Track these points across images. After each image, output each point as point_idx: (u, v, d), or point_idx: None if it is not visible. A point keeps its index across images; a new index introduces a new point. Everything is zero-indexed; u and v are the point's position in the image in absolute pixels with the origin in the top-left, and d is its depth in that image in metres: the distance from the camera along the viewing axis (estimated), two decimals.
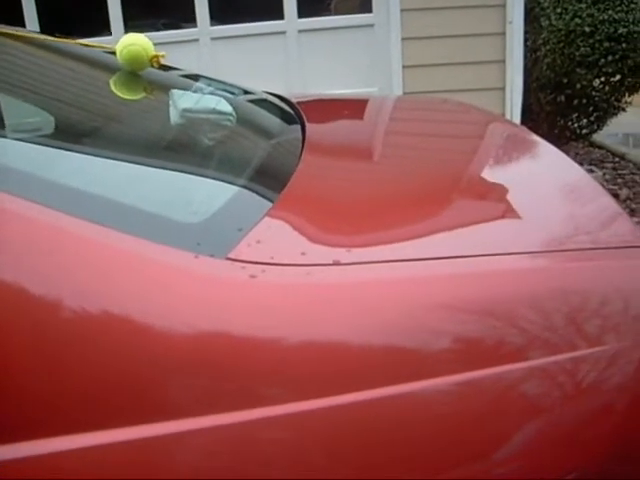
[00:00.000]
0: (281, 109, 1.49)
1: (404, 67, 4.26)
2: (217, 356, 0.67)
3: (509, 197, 1.00)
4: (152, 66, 1.30)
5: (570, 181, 1.14)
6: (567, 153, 4.47)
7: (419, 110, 1.71)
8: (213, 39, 4.27)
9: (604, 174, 4.62)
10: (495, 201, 0.99)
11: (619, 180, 4.55)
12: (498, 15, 4.17)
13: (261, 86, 1.76)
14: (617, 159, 5.07)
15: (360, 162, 1.20)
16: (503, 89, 4.31)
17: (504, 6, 4.12)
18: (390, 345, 0.70)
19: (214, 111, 1.18)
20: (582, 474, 0.75)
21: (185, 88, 1.37)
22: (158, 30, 4.32)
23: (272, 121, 1.37)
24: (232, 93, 1.43)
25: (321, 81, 4.24)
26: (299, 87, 4.22)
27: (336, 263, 0.76)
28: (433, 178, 1.10)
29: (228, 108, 1.21)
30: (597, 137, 5.40)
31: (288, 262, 0.75)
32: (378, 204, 0.97)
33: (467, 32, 4.18)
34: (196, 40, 4.25)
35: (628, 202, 4.14)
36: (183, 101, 1.19)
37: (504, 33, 4.19)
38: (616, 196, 4.21)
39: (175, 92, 1.23)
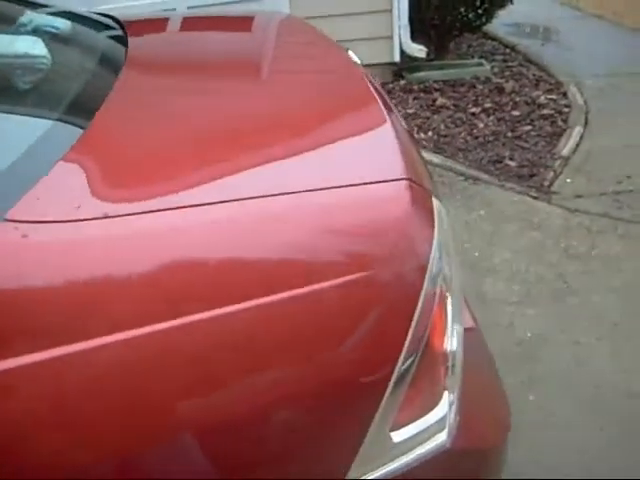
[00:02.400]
0: (107, 37, 1.50)
1: None
2: None
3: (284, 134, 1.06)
4: None
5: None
6: (460, 45, 4.52)
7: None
8: None
9: (493, 67, 4.73)
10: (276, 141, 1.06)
11: (507, 73, 4.67)
12: None
13: None
14: (508, 50, 5.17)
15: (172, 98, 1.23)
16: None
17: None
18: (143, 293, 0.79)
19: (25, 55, 1.20)
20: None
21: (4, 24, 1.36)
22: None
23: (90, 53, 1.37)
24: (54, 27, 1.42)
25: None
26: None
27: (105, 216, 0.83)
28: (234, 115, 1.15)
29: (42, 50, 1.22)
30: (492, 28, 5.47)
31: (58, 218, 0.82)
32: (179, 148, 1.03)
33: None
34: None
35: (513, 95, 4.28)
36: None
37: None
38: (501, 89, 4.34)
39: None
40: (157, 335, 0.77)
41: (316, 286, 0.84)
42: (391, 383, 0.87)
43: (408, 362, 0.88)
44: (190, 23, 1.87)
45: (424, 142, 3.76)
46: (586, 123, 3.86)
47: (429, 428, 0.95)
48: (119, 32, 1.51)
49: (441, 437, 0.96)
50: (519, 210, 3.06)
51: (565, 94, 4.25)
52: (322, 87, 1.28)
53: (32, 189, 0.85)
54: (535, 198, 3.15)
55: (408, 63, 4.61)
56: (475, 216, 3.04)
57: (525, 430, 1.94)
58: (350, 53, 1.57)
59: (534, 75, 4.59)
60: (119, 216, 0.84)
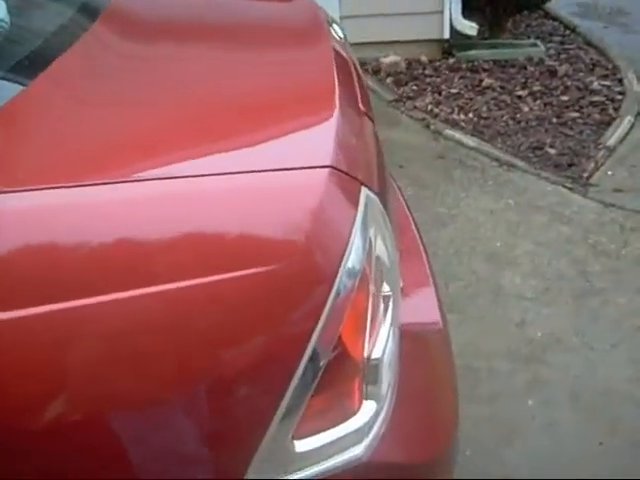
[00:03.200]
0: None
1: None
2: None
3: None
4: None
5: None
6: (518, 25, 4.32)
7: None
8: None
9: (548, 49, 4.50)
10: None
11: (562, 55, 4.43)
12: None
13: None
14: (568, 32, 4.91)
15: (121, 64, 1.17)
16: None
17: None
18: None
19: None
20: None
21: None
22: None
23: (56, 17, 1.31)
24: None
25: None
26: None
27: None
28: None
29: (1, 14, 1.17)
30: (555, 7, 5.22)
31: None
32: (104, 117, 0.97)
33: None
34: None
35: (564, 79, 4.06)
36: None
37: None
38: (554, 72, 4.12)
39: None
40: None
41: (213, 277, 0.77)
42: (291, 387, 0.79)
43: (314, 366, 0.80)
44: None
45: (463, 124, 3.61)
46: (638, 113, 3.63)
47: (343, 439, 0.87)
48: None
49: (357, 450, 0.88)
50: (551, 201, 2.90)
51: (621, 81, 4.01)
52: (280, 68, 1.19)
53: None
54: (570, 189, 2.98)
55: (459, 40, 4.43)
56: (503, 205, 2.89)
57: (517, 436, 1.83)
58: (335, 27, 1.47)
59: (591, 59, 4.34)
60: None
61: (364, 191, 0.88)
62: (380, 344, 0.92)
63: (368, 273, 0.88)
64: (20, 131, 0.93)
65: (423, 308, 1.25)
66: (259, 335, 0.78)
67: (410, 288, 1.26)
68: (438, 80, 4.10)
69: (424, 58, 4.33)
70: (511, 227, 2.74)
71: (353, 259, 0.83)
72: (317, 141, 0.92)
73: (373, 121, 1.16)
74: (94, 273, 0.76)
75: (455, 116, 3.70)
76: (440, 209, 2.87)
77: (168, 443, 0.79)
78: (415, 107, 3.80)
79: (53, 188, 0.80)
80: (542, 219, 2.78)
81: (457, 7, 4.26)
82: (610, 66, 4.22)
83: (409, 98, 3.91)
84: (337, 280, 0.81)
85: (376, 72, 4.23)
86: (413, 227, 1.55)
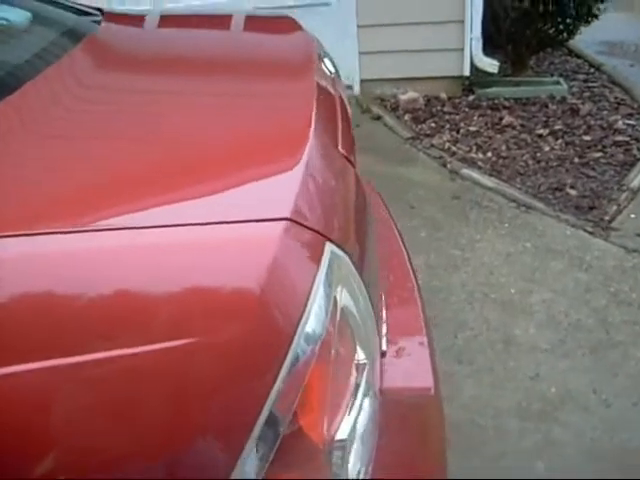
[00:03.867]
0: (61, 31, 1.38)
1: None
2: None
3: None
4: None
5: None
6: (541, 62, 4.24)
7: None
8: None
9: (571, 87, 4.39)
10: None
11: (586, 93, 4.32)
12: None
13: None
14: (592, 70, 4.80)
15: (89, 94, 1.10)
16: None
17: None
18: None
19: None
20: None
21: None
22: None
23: (33, 47, 1.25)
24: (4, 19, 1.32)
25: None
26: None
27: None
28: None
29: None
30: (579, 45, 5.13)
31: None
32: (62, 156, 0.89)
33: None
34: None
35: (587, 118, 3.94)
36: None
37: None
38: (576, 111, 4.01)
39: None
40: None
41: (155, 344, 0.67)
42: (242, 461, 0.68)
43: (260, 449, 0.69)
44: (171, 20, 1.73)
45: (480, 163, 3.50)
46: None
47: None
48: (79, 25, 1.39)
49: None
50: (570, 245, 2.77)
51: None
52: (255, 104, 1.10)
53: None
54: (591, 233, 2.84)
55: (480, 78, 4.35)
56: (519, 248, 2.76)
57: None
58: (326, 62, 1.38)
59: (615, 98, 4.22)
60: None
61: (329, 247, 0.78)
62: (349, 420, 0.81)
63: (331, 338, 0.77)
64: None
65: (413, 371, 1.13)
66: (208, 402, 0.68)
67: (399, 345, 1.16)
68: (457, 117, 4.01)
69: (443, 95, 4.25)
70: (527, 272, 2.61)
71: (312, 322, 0.73)
72: (277, 191, 0.82)
73: (354, 165, 1.06)
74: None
75: (473, 155, 3.59)
76: (453, 251, 2.75)
77: None
78: (432, 145, 3.71)
79: None
80: (560, 264, 2.64)
81: (478, 44, 4.18)
82: (635, 105, 4.10)
83: (427, 135, 3.82)
84: (294, 344, 0.71)
85: (394, 109, 4.15)
86: (410, 273, 1.45)
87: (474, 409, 1.94)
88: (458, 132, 3.84)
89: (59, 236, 0.73)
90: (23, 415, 0.65)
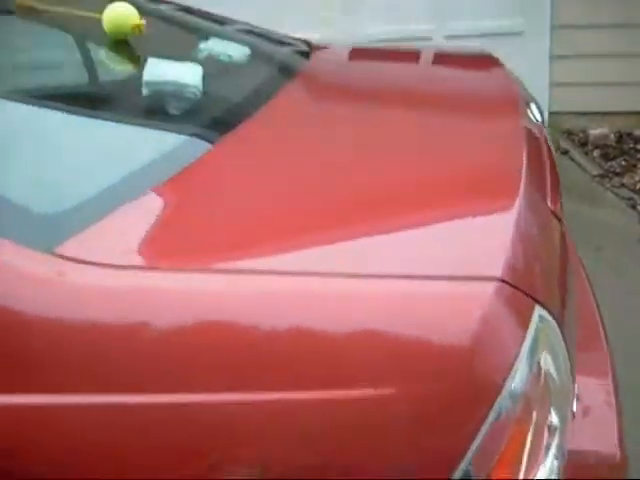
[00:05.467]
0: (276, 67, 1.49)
1: None
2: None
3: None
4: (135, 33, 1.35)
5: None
6: None
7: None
8: None
9: None
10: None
11: None
12: None
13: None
14: None
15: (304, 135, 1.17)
16: None
17: None
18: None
19: (176, 84, 1.20)
20: None
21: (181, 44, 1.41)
22: None
23: (247, 86, 1.35)
24: (228, 55, 1.44)
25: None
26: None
27: (152, 268, 0.78)
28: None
29: (195, 81, 1.22)
30: None
31: (101, 261, 0.78)
32: (276, 202, 0.96)
33: None
34: None
35: None
36: (150, 71, 1.22)
37: None
38: None
39: (151, 61, 1.26)
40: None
41: (342, 391, 0.71)
42: None
43: None
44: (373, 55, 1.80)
45: None
46: None
47: None
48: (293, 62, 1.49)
49: None
50: None
51: None
52: (461, 143, 1.12)
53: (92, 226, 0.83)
54: None
55: None
56: None
57: None
58: (532, 107, 1.37)
59: None
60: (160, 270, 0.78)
61: (538, 310, 0.78)
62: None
63: (532, 400, 0.78)
64: (194, 199, 0.94)
65: (599, 433, 1.10)
66: (404, 454, 0.71)
67: (586, 404, 1.12)
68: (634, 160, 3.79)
69: (637, 132, 4.03)
70: None
71: (517, 382, 0.74)
72: (488, 244, 0.84)
73: (562, 221, 1.05)
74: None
75: None
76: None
77: None
78: (622, 184, 3.53)
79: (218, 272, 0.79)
80: None
81: None
82: None
83: (616, 174, 3.64)
84: (497, 403, 0.72)
85: (583, 144, 4.00)
86: (599, 325, 1.40)
87: None
88: None
89: (262, 276, 0.79)
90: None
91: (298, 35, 1.80)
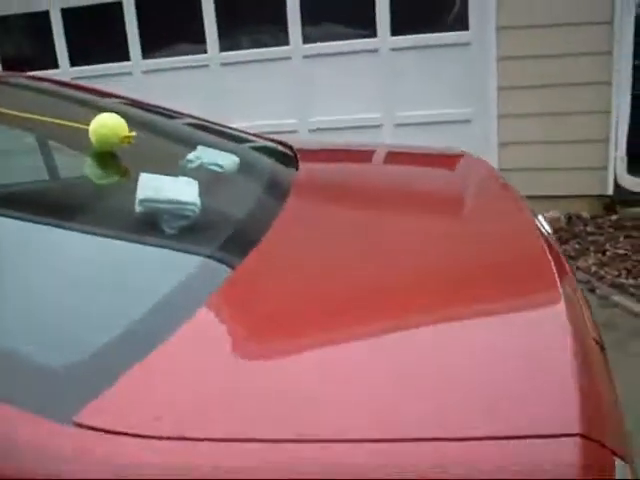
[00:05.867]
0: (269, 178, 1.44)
1: (500, 88, 4.06)
2: None
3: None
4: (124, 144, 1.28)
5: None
6: None
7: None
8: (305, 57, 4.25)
9: None
10: None
11: None
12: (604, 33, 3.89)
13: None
14: None
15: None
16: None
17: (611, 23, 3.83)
18: None
19: (173, 201, 1.13)
20: None
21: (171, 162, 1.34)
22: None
23: (245, 199, 1.29)
24: (218, 165, 1.37)
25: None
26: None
27: (181, 438, 0.68)
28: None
29: (192, 197, 1.15)
30: None
31: (127, 430, 0.68)
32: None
33: (568, 51, 3.93)
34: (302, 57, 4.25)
35: None
36: (145, 189, 1.14)
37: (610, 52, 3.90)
38: None
39: (144, 177, 1.18)
40: None
41: None
42: None
43: None
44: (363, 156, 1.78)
45: (631, 289, 3.33)
46: None
47: None
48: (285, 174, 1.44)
49: None
50: None
51: None
52: (496, 257, 1.08)
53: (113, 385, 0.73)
54: None
55: (623, 196, 4.21)
56: None
57: None
58: (540, 219, 1.35)
59: None
60: (199, 440, 0.68)
61: (619, 464, 0.72)
62: None
63: None
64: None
65: None
66: None
67: None
68: (602, 239, 3.88)
69: (585, 214, 4.14)
70: None
71: None
72: (555, 395, 0.76)
73: (604, 348, 0.99)
74: None
75: (623, 280, 3.43)
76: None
77: None
78: (578, 268, 3.58)
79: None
80: None
81: (622, 164, 4.09)
82: None
83: (571, 258, 3.69)
84: None
85: None
86: None
87: None
88: (604, 254, 3.70)
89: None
90: None
91: (246, 125, 1.76)
